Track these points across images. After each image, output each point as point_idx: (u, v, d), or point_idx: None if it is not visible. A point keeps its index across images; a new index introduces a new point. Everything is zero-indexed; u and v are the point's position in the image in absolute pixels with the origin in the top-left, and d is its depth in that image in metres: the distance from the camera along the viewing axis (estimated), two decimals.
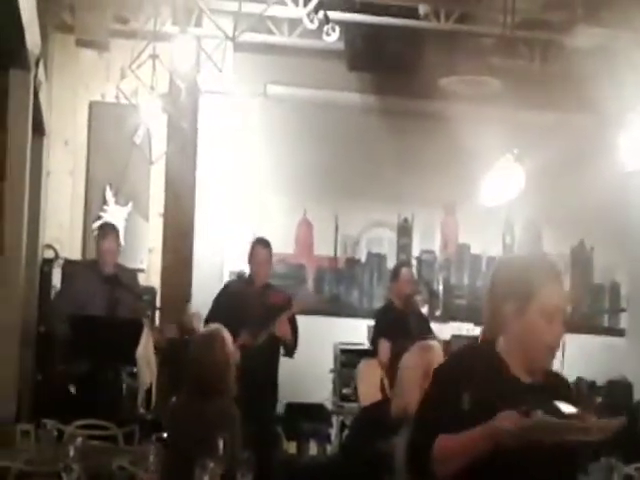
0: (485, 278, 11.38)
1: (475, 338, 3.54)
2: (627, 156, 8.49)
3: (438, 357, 5.04)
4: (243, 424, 5.62)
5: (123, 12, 10.01)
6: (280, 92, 11.30)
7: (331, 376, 10.64)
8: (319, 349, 10.48)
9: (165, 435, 5.63)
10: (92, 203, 10.55)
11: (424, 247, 11.98)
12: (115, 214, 10.43)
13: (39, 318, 9.25)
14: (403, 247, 11.85)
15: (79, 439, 5.03)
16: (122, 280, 8.47)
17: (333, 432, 10.47)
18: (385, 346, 8.94)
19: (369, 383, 8.82)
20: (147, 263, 10.53)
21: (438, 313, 11.50)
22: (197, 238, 10.64)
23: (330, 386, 10.64)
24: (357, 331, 10.43)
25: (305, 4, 9.39)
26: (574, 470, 3.32)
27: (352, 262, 11.83)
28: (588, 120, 10.87)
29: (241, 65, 10.82)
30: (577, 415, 3.03)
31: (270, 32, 10.60)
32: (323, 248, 11.71)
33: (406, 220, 11.86)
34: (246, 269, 8.97)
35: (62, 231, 10.38)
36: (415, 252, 11.92)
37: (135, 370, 7.93)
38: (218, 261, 10.27)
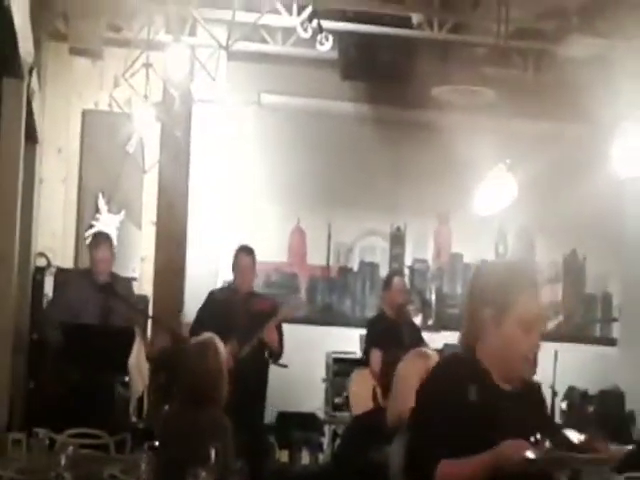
0: None
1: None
2: (620, 165, 8.50)
3: (434, 365, 5.03)
4: (235, 433, 5.61)
5: (117, 20, 10.00)
6: (274, 101, 11.32)
7: (323, 385, 10.64)
8: (311, 358, 10.50)
9: (157, 444, 5.61)
10: (85, 211, 10.54)
11: (417, 256, 11.99)
12: (108, 222, 10.42)
13: (31, 326, 9.23)
14: (396, 256, 11.86)
15: (70, 448, 5.02)
16: (117, 289, 8.47)
17: (325, 441, 10.47)
18: (377, 355, 8.92)
19: (361, 393, 8.81)
20: (139, 272, 10.51)
21: (430, 322, 11.50)
22: (190, 247, 10.63)
23: (322, 395, 10.63)
24: (349, 340, 10.42)
25: (299, 13, 9.40)
26: None
27: (345, 271, 11.84)
28: (581, 129, 10.90)
29: (235, 74, 10.82)
30: (587, 442, 3.01)
31: (264, 41, 10.62)
32: (316, 257, 11.71)
33: (399, 229, 11.86)
34: None
35: (55, 239, 10.36)
36: (408, 261, 11.92)
37: (127, 379, 7.92)
38: (211, 270, 10.25)
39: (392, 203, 11.48)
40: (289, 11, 9.64)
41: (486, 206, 9.59)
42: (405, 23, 10.29)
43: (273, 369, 8.88)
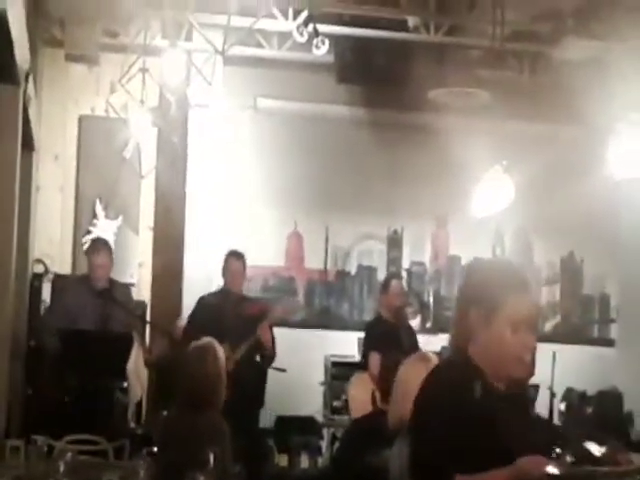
0: None
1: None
2: (615, 167, 8.52)
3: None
4: (233, 437, 5.61)
5: (113, 26, 10.00)
6: (270, 105, 11.31)
7: (322, 389, 10.64)
8: (310, 362, 10.51)
9: (155, 449, 5.62)
10: (82, 217, 10.54)
11: (414, 259, 11.99)
12: (105, 228, 10.42)
13: (29, 333, 9.22)
14: (393, 259, 11.87)
15: (69, 454, 5.03)
16: (115, 295, 8.46)
17: (324, 445, 10.46)
18: (376, 359, 8.90)
19: (360, 396, 8.81)
20: (137, 277, 10.51)
21: (428, 325, 11.53)
22: (187, 252, 10.64)
23: (321, 399, 10.63)
24: (347, 344, 10.43)
25: (295, 17, 9.41)
26: None
27: (342, 274, 11.84)
28: (577, 131, 10.92)
29: (231, 78, 10.83)
30: (609, 455, 2.97)
31: (260, 45, 10.61)
32: (314, 261, 11.71)
33: (396, 232, 11.87)
34: None
35: (52, 246, 10.36)
36: (405, 264, 11.93)
37: (125, 384, 7.91)
38: (209, 275, 10.26)
39: (389, 206, 11.49)
40: (285, 15, 9.63)
41: (483, 208, 9.59)
42: (401, 26, 10.29)
43: (271, 373, 8.88)
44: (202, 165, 10.79)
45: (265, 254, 11.27)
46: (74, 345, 7.85)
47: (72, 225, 10.52)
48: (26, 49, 7.31)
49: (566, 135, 11.13)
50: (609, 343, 12.03)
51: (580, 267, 12.22)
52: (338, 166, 11.38)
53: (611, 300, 12.19)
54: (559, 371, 9.33)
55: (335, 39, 10.14)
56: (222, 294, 8.91)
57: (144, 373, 8.34)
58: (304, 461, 10.36)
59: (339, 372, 10.38)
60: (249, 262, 9.06)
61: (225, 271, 8.86)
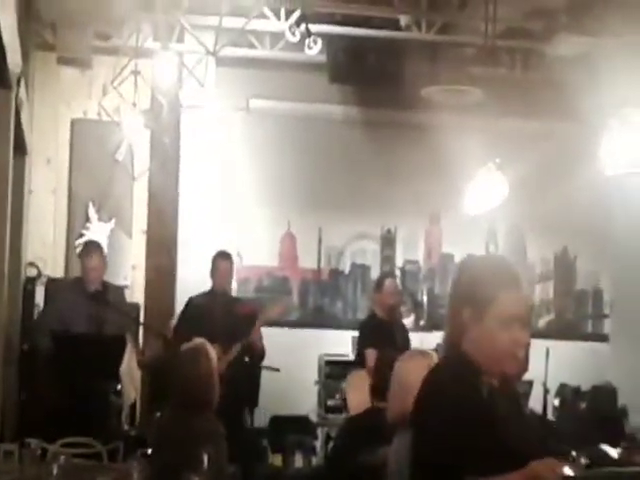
0: None
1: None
2: (608, 163, 8.52)
3: (433, 365, 5.04)
4: (227, 437, 5.62)
5: (105, 29, 9.99)
6: (262, 106, 11.32)
7: (316, 388, 10.64)
8: (304, 361, 10.52)
9: (149, 451, 5.62)
10: (75, 220, 10.53)
11: (408, 257, 12.01)
12: (98, 231, 10.41)
13: (22, 336, 9.22)
14: (387, 258, 11.88)
15: (62, 457, 5.03)
16: (109, 298, 8.45)
17: (318, 444, 10.46)
18: (373, 355, 8.94)
19: (359, 394, 8.81)
20: (131, 279, 10.51)
21: (422, 323, 11.54)
22: (180, 254, 10.64)
23: (315, 398, 10.64)
24: (341, 342, 10.44)
25: (287, 17, 9.41)
26: None
27: (336, 273, 11.86)
28: (570, 128, 10.92)
29: (223, 79, 10.84)
30: (625, 456, 2.96)
31: (252, 46, 10.63)
32: (307, 260, 11.72)
33: (389, 231, 11.89)
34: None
35: (45, 249, 10.35)
36: (399, 262, 11.94)
37: (119, 387, 7.92)
38: (202, 276, 10.26)
39: (382, 205, 11.49)
40: (277, 15, 9.62)
41: (476, 205, 9.61)
42: (393, 25, 10.31)
43: (265, 372, 8.90)
44: (195, 167, 10.79)
45: (259, 254, 11.29)
46: (67, 348, 7.84)
47: (65, 228, 10.51)
48: (18, 53, 7.30)
49: (559, 131, 11.15)
50: (603, 338, 12.07)
51: (573, 263, 12.25)
52: (331, 166, 11.39)
53: (604, 295, 12.22)
54: (553, 367, 9.34)
55: (327, 39, 10.14)
56: (211, 295, 8.93)
57: (138, 375, 8.34)
58: (298, 460, 10.36)
59: (333, 371, 10.40)
60: (243, 263, 9.08)
61: (213, 272, 8.90)
